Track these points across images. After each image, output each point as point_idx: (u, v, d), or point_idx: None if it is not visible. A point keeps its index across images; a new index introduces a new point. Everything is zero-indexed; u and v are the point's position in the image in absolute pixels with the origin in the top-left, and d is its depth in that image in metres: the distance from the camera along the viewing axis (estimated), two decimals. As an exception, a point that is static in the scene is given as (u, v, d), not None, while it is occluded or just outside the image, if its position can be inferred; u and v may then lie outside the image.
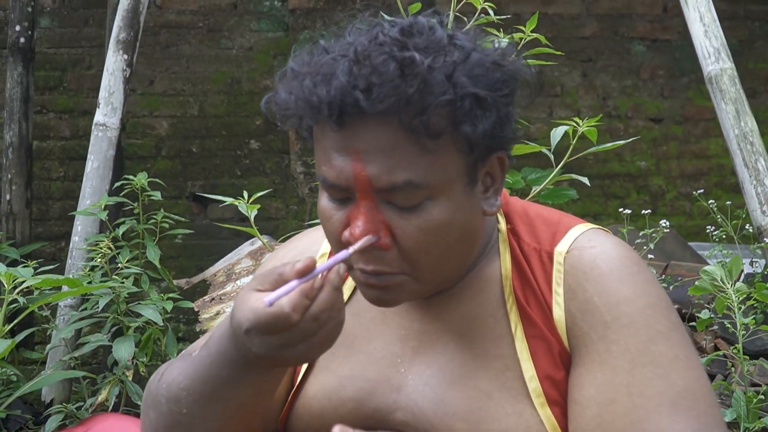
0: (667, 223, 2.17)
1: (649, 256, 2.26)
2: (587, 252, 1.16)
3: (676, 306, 1.99)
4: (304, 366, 1.27)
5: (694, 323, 2.15)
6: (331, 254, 1.30)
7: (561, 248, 1.17)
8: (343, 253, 1.06)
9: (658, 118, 4.67)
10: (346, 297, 1.29)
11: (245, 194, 1.66)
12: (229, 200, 1.64)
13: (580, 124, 1.56)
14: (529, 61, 1.71)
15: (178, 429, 1.14)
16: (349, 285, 1.30)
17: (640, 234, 2.23)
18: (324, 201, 1.12)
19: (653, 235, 2.25)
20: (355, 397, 1.20)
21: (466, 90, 1.04)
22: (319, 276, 1.03)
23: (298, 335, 1.01)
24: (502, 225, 1.23)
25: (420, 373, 1.18)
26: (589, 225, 1.22)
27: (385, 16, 1.15)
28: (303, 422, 1.25)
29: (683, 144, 4.69)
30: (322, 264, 1.04)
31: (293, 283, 1.01)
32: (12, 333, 2.61)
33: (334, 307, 1.03)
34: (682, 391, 1.07)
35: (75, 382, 2.58)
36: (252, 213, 1.63)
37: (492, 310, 1.18)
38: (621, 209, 2.37)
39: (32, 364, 2.92)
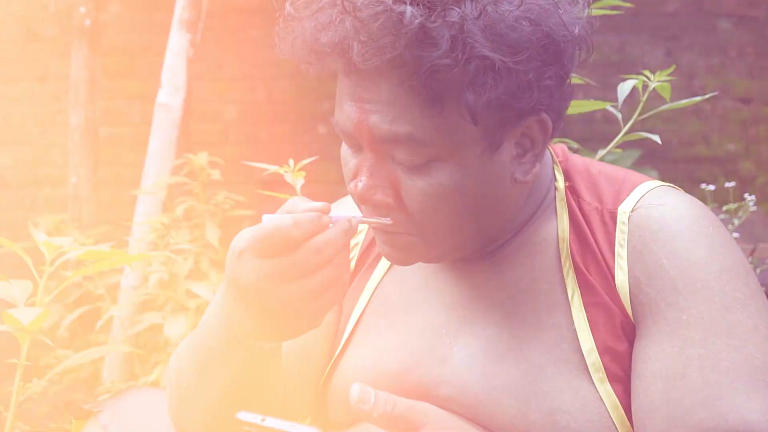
0: (753, 197, 1.99)
1: (734, 234, 2.09)
2: (655, 210, 1.05)
3: (763, 288, 1.83)
4: (343, 340, 1.17)
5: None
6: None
7: (625, 207, 1.07)
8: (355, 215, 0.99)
9: (747, 98, 4.45)
10: (387, 266, 1.19)
11: (291, 162, 1.57)
12: (273, 168, 1.56)
13: (651, 78, 1.42)
14: (594, 11, 1.58)
15: (182, 407, 1.08)
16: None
17: (723, 209, 2.06)
18: (343, 147, 1.06)
19: (740, 214, 2.08)
20: (396, 370, 1.11)
21: (476, 51, 0.91)
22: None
23: (295, 266, 0.92)
24: (560, 183, 1.12)
25: (467, 345, 1.09)
26: (659, 182, 1.10)
27: None
28: (342, 398, 1.15)
29: (775, 126, 4.46)
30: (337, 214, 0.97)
31: None
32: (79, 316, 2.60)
33: (340, 251, 0.94)
34: (762, 365, 0.95)
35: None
36: (298, 181, 1.55)
37: (547, 276, 1.08)
38: (703, 185, 2.20)
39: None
